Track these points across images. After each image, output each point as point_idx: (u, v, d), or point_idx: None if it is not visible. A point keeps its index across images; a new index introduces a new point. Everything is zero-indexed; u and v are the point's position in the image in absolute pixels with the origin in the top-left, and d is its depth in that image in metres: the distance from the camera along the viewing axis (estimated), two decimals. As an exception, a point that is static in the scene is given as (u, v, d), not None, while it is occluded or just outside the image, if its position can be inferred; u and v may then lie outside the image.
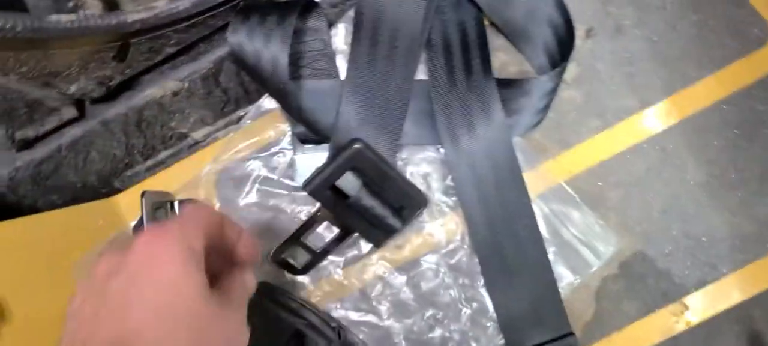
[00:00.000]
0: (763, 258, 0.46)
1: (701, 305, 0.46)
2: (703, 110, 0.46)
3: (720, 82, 0.46)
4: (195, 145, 0.52)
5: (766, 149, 0.46)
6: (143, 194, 0.45)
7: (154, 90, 0.48)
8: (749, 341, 0.47)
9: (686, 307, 0.46)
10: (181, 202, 0.50)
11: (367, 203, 0.43)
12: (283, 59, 0.41)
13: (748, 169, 0.46)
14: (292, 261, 0.49)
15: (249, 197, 0.49)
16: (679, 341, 0.47)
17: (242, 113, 0.51)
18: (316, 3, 0.46)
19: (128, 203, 0.50)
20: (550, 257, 0.46)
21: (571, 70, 0.47)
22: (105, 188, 0.52)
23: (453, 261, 0.48)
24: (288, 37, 0.41)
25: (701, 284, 0.46)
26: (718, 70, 0.46)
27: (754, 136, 0.46)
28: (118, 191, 0.52)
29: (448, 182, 0.48)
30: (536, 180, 0.47)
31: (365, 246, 0.49)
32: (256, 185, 0.49)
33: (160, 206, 0.48)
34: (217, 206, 0.49)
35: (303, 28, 0.46)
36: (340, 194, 0.44)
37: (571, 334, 0.46)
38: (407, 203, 0.45)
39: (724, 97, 0.46)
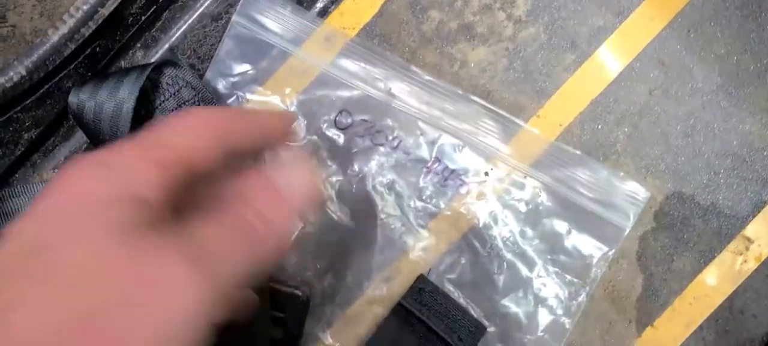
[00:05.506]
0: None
1: (766, 231, 0.37)
2: (693, 1, 0.38)
3: (701, -38, 0.38)
4: None
5: (778, 23, 0.37)
6: None
7: None
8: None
9: (749, 240, 0.37)
10: None
11: None
12: (129, 105, 0.34)
13: (765, 54, 0.37)
14: None
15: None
16: (754, 283, 0.37)
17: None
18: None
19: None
20: (565, 233, 0.37)
21: (520, 3, 0.38)
22: None
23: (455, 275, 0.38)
24: (138, 83, 0.34)
25: (758, 206, 0.37)
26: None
27: (761, 11, 0.37)
28: None
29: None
30: (523, 149, 0.37)
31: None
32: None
33: None
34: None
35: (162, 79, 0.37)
36: None
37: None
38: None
39: (712, -22, 0.37)
